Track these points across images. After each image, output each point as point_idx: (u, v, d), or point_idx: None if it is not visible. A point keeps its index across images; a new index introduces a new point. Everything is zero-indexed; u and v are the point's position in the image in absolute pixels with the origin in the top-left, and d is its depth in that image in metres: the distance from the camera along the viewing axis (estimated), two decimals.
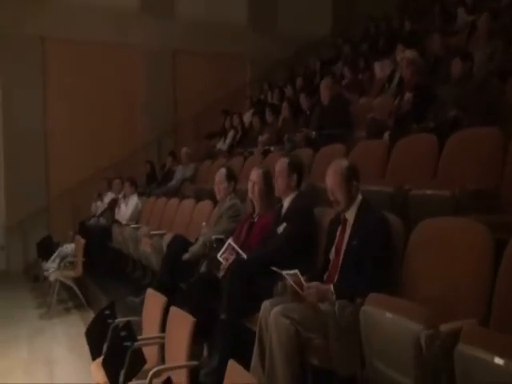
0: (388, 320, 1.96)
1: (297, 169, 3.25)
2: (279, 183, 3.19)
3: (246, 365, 2.55)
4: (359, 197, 2.64)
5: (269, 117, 6.63)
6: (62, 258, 6.82)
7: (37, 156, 8.93)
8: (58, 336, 5.39)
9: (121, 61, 9.41)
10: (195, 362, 2.65)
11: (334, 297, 2.35)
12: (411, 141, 3.61)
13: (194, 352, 2.78)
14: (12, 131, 8.68)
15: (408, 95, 3.93)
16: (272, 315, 2.31)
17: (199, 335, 2.88)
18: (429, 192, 2.84)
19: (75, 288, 6.53)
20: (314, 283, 2.43)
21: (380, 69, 6.34)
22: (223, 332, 2.73)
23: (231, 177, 3.90)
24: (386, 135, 3.90)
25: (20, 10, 8.56)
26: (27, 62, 8.71)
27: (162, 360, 3.10)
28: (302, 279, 2.42)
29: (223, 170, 3.94)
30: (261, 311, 2.45)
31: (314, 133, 5.00)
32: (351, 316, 2.22)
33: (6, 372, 4.58)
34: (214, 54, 9.97)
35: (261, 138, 6.04)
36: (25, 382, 4.34)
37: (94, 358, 3.36)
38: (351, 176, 2.61)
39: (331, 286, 2.39)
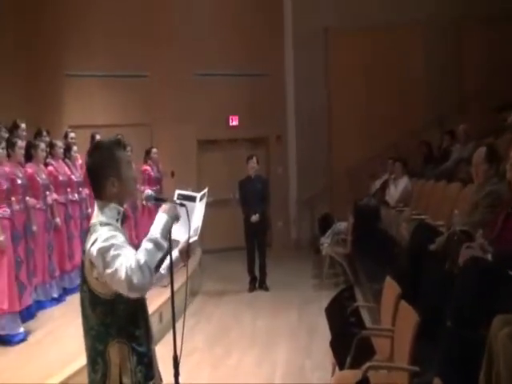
0: None
1: None
2: None
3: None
4: None
5: None
6: (335, 235, 7.25)
7: (322, 136, 9.62)
8: (324, 308, 5.74)
9: (399, 39, 9.10)
10: (415, 368, 2.38)
11: None
12: None
13: (421, 353, 2.52)
14: (302, 115, 9.62)
15: None
16: (500, 337, 1.84)
17: (427, 337, 2.58)
18: None
19: (344, 264, 6.85)
20: None
21: None
22: (447, 342, 2.34)
23: (493, 157, 3.26)
24: None
25: (304, 6, 9.35)
26: (313, 49, 9.43)
27: (392, 355, 2.93)
28: None
29: (483, 149, 3.33)
30: (491, 328, 1.98)
31: None
32: None
33: (273, 332, 5.21)
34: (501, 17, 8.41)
35: None
36: (289, 344, 4.86)
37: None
38: None
39: None
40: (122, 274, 1.67)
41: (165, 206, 1.88)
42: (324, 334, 4.74)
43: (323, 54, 9.55)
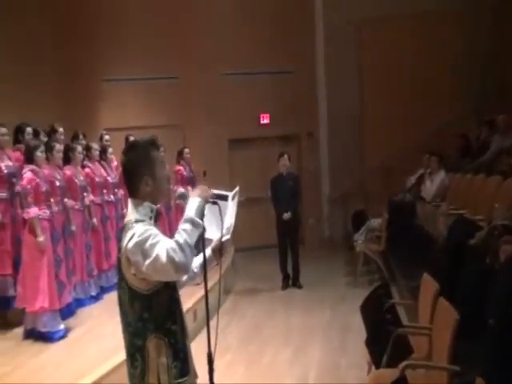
0: None
1: None
2: None
3: None
4: None
5: None
6: (369, 231, 7.13)
7: (354, 132, 9.50)
8: (358, 306, 5.66)
9: (433, 28, 8.85)
10: (455, 368, 2.30)
11: None
12: None
13: (461, 352, 2.44)
14: (334, 111, 9.49)
15: None
16: None
17: (467, 336, 2.49)
18: None
19: (379, 262, 6.73)
20: None
21: None
22: (489, 341, 2.26)
23: None
24: None
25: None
26: (344, 44, 9.31)
27: (431, 353, 2.85)
28: None
29: None
30: None
31: None
32: None
33: (306, 330, 5.18)
34: None
35: None
36: (323, 342, 4.81)
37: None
38: None
39: None
40: (164, 258, 1.71)
41: (196, 190, 1.93)
42: (358, 332, 4.67)
43: (355, 48, 9.41)
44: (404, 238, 6.56)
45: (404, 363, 2.35)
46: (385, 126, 9.08)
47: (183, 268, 1.73)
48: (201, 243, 1.93)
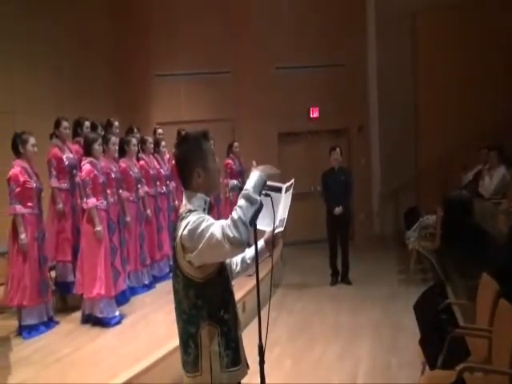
0: None
1: None
2: None
3: None
4: None
5: None
6: (422, 229, 6.90)
7: (408, 125, 9.21)
8: (410, 305, 5.51)
9: (492, 16, 8.38)
10: None
11: None
12: None
13: None
14: (386, 104, 9.25)
15: None
16: None
17: None
18: None
19: (432, 260, 6.50)
20: None
21: None
22: None
23: None
24: None
25: None
26: (398, 35, 9.03)
27: (490, 356, 2.73)
28: None
29: None
30: None
31: None
32: None
33: (356, 327, 5.09)
34: None
35: None
36: (373, 340, 4.70)
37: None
38: None
39: None
40: (219, 235, 1.72)
41: (260, 167, 1.90)
42: (410, 331, 4.55)
43: (409, 38, 9.12)
44: (460, 236, 6.28)
45: (462, 365, 2.26)
46: (440, 120, 8.75)
47: (238, 243, 1.71)
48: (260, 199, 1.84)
